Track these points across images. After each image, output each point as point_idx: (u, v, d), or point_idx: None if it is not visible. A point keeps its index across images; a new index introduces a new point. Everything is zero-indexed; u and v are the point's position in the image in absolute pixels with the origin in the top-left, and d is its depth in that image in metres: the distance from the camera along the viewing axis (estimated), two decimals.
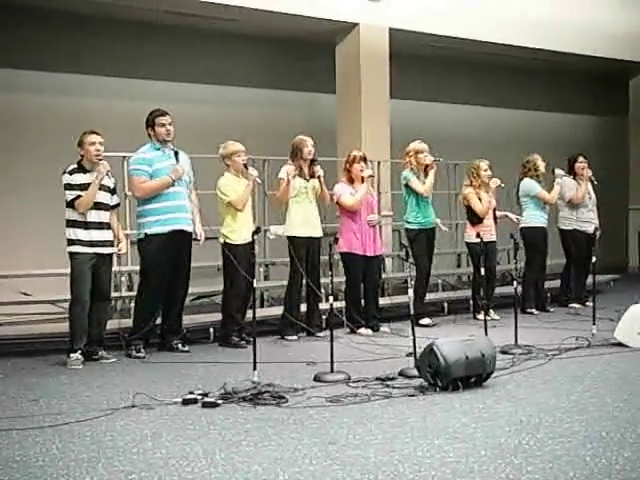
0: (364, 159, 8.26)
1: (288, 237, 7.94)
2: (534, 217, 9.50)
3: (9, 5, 9.53)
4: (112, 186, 6.98)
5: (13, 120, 9.97)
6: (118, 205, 7.12)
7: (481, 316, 8.95)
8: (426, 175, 8.60)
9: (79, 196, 6.66)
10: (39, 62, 10.09)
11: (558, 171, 9.56)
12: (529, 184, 9.54)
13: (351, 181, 8.22)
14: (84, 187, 6.69)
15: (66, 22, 10.13)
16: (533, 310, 9.42)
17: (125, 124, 9.79)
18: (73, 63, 10.33)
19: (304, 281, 7.98)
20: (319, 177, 7.95)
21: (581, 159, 9.82)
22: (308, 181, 7.97)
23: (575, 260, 9.82)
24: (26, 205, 9.84)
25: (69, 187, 6.69)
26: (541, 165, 9.52)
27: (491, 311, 8.89)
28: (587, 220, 9.74)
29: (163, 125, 7.11)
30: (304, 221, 7.93)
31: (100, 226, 6.78)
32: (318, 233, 8.07)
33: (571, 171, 9.80)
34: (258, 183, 7.73)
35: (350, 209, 8.16)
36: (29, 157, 9.94)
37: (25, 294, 8.53)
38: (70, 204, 6.70)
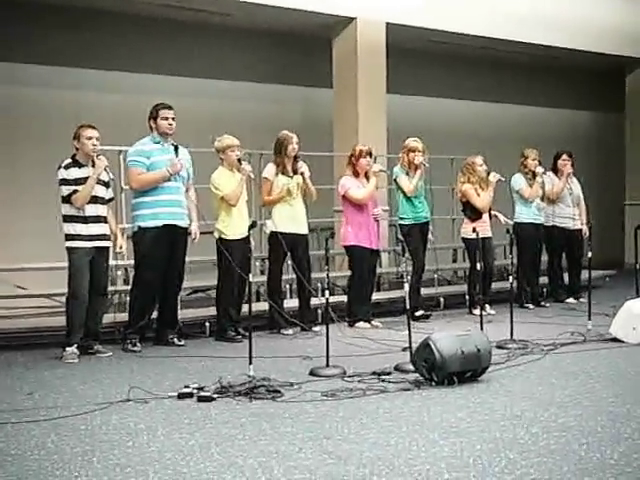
0: (370, 153, 8.25)
1: (273, 233, 7.92)
2: (521, 213, 9.53)
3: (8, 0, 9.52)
4: (107, 180, 6.97)
5: (12, 113, 9.95)
6: (113, 199, 7.10)
7: (477, 311, 8.98)
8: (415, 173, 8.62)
9: (75, 191, 6.65)
10: (38, 56, 10.06)
11: (538, 169, 9.47)
12: (515, 179, 9.54)
13: (356, 175, 8.21)
14: (79, 182, 6.67)
15: (64, 16, 10.10)
16: (529, 305, 9.45)
17: (121, 118, 9.80)
18: (71, 57, 10.31)
19: (283, 277, 8.08)
20: (302, 174, 7.91)
21: (564, 157, 9.80)
22: (292, 178, 7.94)
23: (566, 256, 9.88)
24: (23, 199, 9.82)
25: (65, 182, 6.68)
26: (531, 163, 9.45)
27: (487, 306, 8.90)
28: (567, 216, 9.76)
29: (167, 118, 7.12)
30: (289, 218, 7.90)
31: (98, 220, 6.77)
32: (304, 230, 8.05)
33: (555, 167, 9.82)
34: (251, 178, 7.69)
35: (359, 202, 8.15)
36: (26, 151, 9.92)
37: (21, 288, 8.53)
38: (67, 199, 6.69)
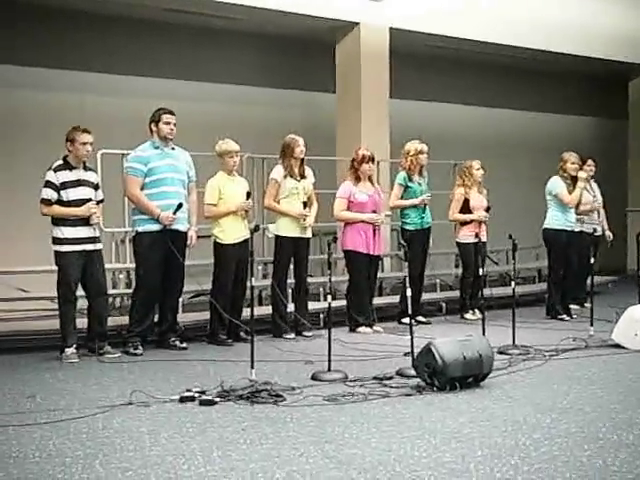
0: (372, 159, 8.25)
1: (277, 236, 7.94)
2: (555, 218, 8.94)
3: (11, 2, 9.54)
4: (96, 182, 6.97)
5: (13, 116, 9.96)
6: (102, 201, 7.07)
7: (469, 315, 8.99)
8: (420, 175, 8.62)
9: (51, 202, 6.64)
10: (40, 59, 10.08)
11: (581, 173, 8.97)
12: (554, 182, 8.98)
13: (357, 179, 8.21)
14: (66, 185, 6.69)
15: (67, 19, 10.13)
16: (564, 316, 8.95)
17: (126, 121, 9.81)
18: (74, 60, 10.33)
19: (288, 280, 8.07)
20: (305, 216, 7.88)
21: (589, 162, 9.58)
22: (299, 181, 7.95)
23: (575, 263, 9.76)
24: (24, 201, 9.81)
25: (49, 185, 6.66)
26: (570, 167, 8.92)
27: (476, 310, 8.89)
28: (592, 222, 9.55)
29: (168, 123, 7.16)
30: (294, 222, 7.92)
31: (86, 223, 6.76)
32: (307, 234, 8.04)
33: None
34: (245, 210, 7.64)
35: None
36: (27, 153, 9.92)
37: (23, 290, 8.53)
38: (45, 202, 6.67)
